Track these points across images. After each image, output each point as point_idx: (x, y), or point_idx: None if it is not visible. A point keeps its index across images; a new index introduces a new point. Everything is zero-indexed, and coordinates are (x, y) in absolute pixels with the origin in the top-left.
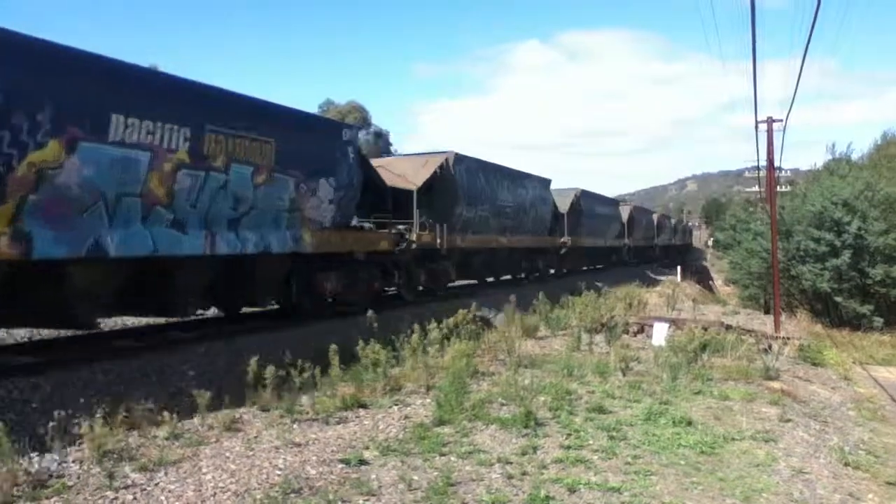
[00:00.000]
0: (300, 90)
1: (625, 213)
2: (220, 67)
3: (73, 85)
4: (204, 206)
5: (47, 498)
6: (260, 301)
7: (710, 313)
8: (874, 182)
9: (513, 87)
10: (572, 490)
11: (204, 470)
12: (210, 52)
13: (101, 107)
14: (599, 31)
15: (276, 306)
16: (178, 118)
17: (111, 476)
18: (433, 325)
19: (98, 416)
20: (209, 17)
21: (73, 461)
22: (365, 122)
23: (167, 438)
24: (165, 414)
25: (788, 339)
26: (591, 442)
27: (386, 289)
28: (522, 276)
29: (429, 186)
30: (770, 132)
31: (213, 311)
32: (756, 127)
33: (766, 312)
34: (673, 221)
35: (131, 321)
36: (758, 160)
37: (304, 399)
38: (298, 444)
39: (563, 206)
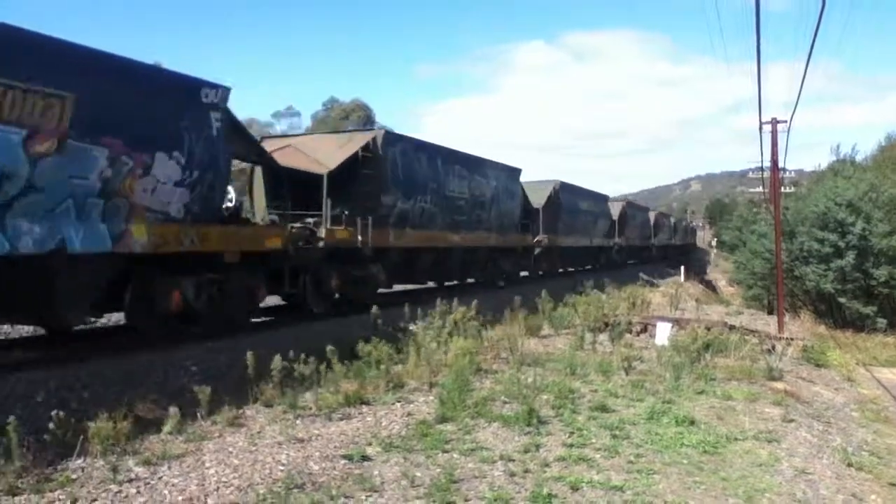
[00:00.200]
0: (304, 88)
1: (615, 209)
2: (223, 65)
3: None
4: None
5: (52, 491)
6: (71, 318)
7: (713, 313)
8: (878, 183)
9: (517, 88)
10: (575, 488)
11: (207, 464)
12: (212, 50)
13: None
14: (604, 32)
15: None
16: None
17: (115, 470)
18: (437, 321)
19: (102, 410)
20: (211, 15)
21: (77, 455)
22: (369, 120)
23: (170, 433)
24: (169, 409)
25: (792, 339)
26: (593, 440)
27: (288, 299)
28: (484, 280)
29: (347, 171)
30: (774, 133)
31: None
32: (760, 128)
33: (770, 313)
34: (673, 220)
35: None
36: (762, 161)
37: (307, 395)
38: (301, 440)
39: (538, 200)
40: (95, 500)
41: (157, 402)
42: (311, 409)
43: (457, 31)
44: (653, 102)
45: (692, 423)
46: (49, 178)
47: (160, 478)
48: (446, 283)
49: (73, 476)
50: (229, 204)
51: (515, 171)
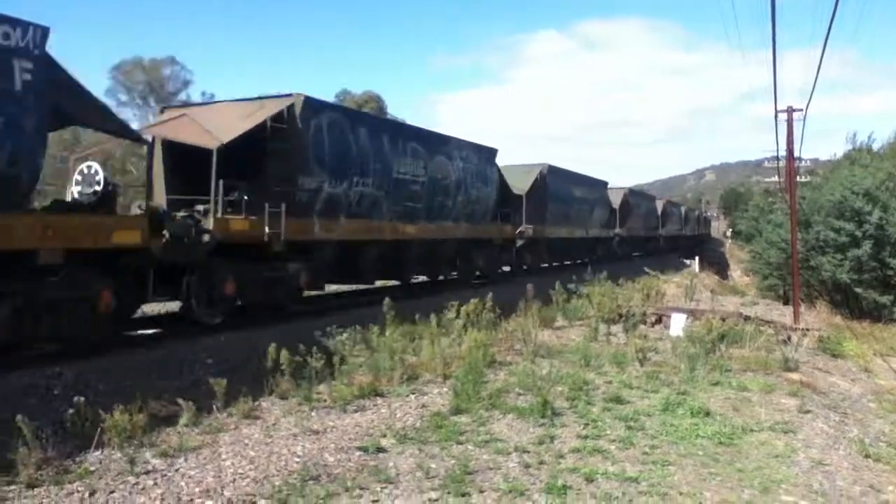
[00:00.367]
0: (317, 80)
1: (616, 197)
2: (235, 58)
3: None
4: None
5: (70, 482)
6: None
7: (728, 304)
8: None
9: (529, 78)
10: (590, 479)
11: (223, 456)
12: (225, 42)
13: None
14: (617, 20)
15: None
16: None
17: (132, 462)
18: (451, 314)
19: (119, 403)
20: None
21: (95, 447)
22: (381, 111)
23: (187, 426)
24: (185, 402)
25: (808, 330)
26: (608, 432)
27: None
28: (456, 276)
29: (251, 146)
30: (790, 122)
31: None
32: (776, 116)
33: (786, 303)
34: (684, 209)
35: (148, 309)
36: (777, 150)
37: (322, 387)
38: (316, 432)
39: (521, 185)
40: (113, 491)
41: (173, 394)
42: (325, 400)
43: (471, 21)
44: (666, 91)
45: (707, 414)
46: None
47: (177, 469)
48: (409, 282)
49: (92, 468)
50: (96, 188)
51: (490, 152)
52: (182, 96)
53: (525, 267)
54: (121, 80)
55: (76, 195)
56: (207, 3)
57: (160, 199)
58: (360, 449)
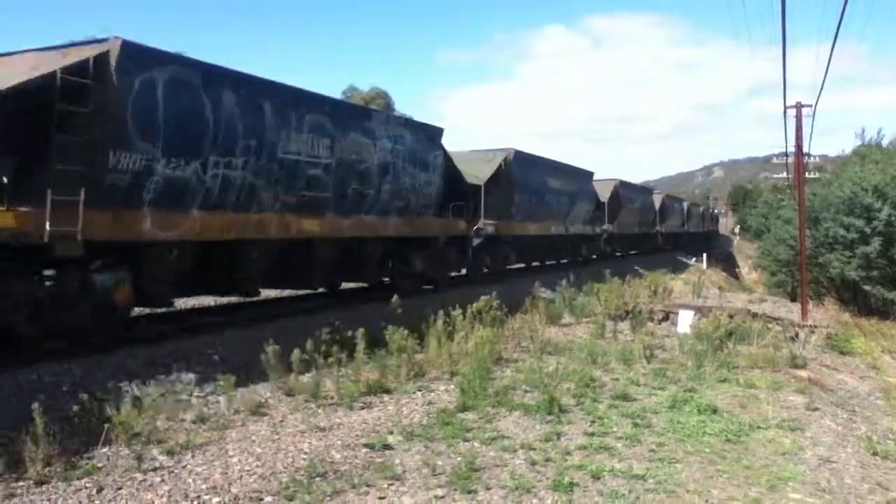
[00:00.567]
0: (324, 76)
1: (604, 190)
2: (245, 54)
3: None
4: None
5: (78, 479)
6: None
7: (736, 301)
8: None
9: (537, 73)
10: (596, 477)
11: (230, 453)
12: (234, 38)
13: None
14: (624, 16)
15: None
16: None
17: (139, 458)
18: (458, 311)
19: (126, 399)
20: (233, 4)
21: (103, 444)
22: (388, 108)
23: (194, 422)
24: (192, 398)
25: (815, 327)
26: (615, 429)
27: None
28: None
29: (30, 111)
30: (799, 118)
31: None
32: (784, 112)
33: (793, 300)
34: (686, 204)
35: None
36: (786, 146)
37: (329, 384)
38: (323, 429)
39: (479, 174)
40: (121, 487)
41: (180, 391)
42: (332, 397)
43: (478, 17)
44: (675, 87)
45: (715, 411)
46: None
47: (184, 466)
48: (318, 291)
49: (99, 464)
50: None
51: (433, 132)
52: None
53: (486, 270)
54: None
55: None
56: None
57: None
58: (366, 446)
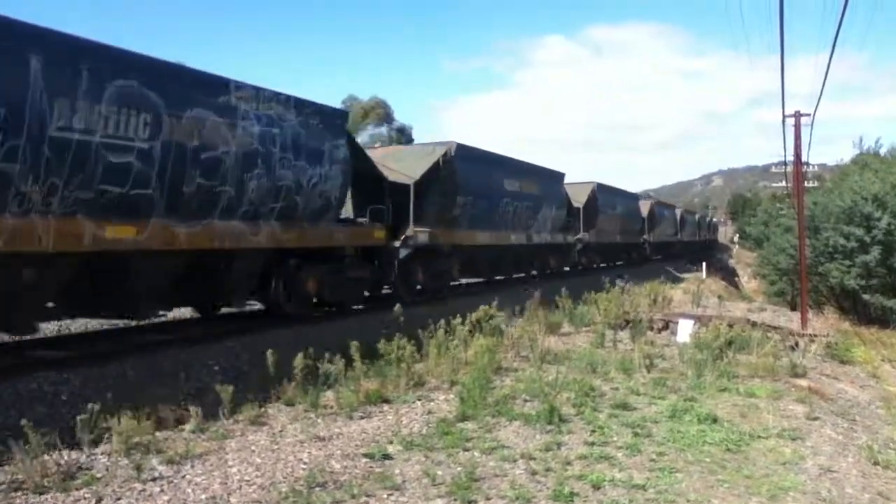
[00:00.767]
0: (323, 86)
1: (579, 194)
2: (244, 63)
3: None
4: None
5: (77, 489)
6: None
7: (735, 310)
8: None
9: (537, 83)
10: (597, 487)
11: (230, 463)
12: (233, 47)
13: None
14: (625, 26)
15: None
16: None
17: (139, 468)
18: (458, 320)
19: (126, 409)
20: (233, 13)
21: (102, 454)
22: (388, 117)
23: (193, 432)
24: (191, 408)
25: (815, 336)
26: (615, 439)
27: None
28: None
29: None
30: (797, 127)
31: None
32: (783, 121)
33: (793, 309)
34: (679, 212)
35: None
36: (784, 155)
37: (328, 394)
38: (323, 439)
39: (410, 172)
40: (120, 498)
41: (180, 400)
42: (332, 407)
43: (478, 26)
44: (674, 97)
45: (715, 420)
46: None
47: (183, 476)
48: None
49: (98, 475)
50: None
51: (330, 116)
52: None
53: (419, 287)
54: None
55: None
56: (213, 6)
57: None
58: (366, 456)
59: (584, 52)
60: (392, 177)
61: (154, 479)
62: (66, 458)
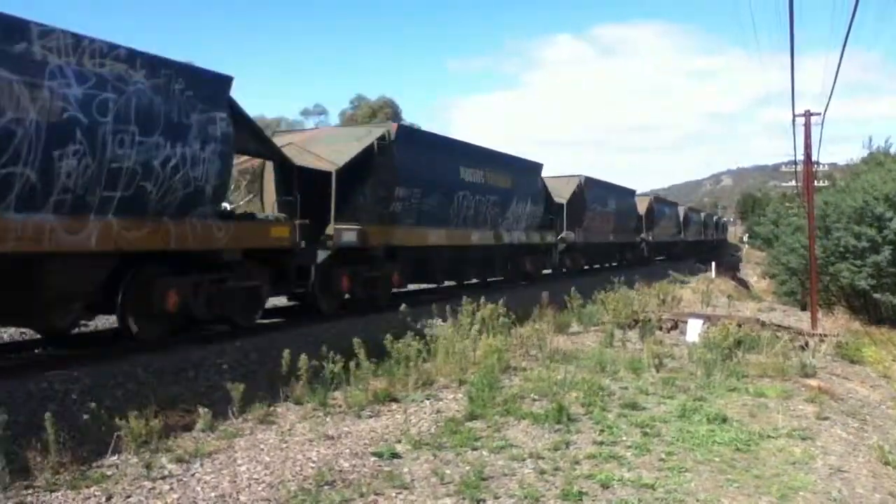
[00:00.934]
0: (332, 86)
1: (563, 188)
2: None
3: None
4: None
5: (87, 487)
6: None
7: (745, 309)
8: None
9: (546, 82)
10: (605, 486)
11: (239, 461)
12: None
13: None
14: (634, 24)
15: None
16: None
17: (148, 467)
18: (468, 319)
19: (135, 408)
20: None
21: (112, 452)
22: (396, 116)
23: (203, 430)
24: (201, 407)
25: (825, 335)
26: (624, 438)
27: None
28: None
29: None
30: (808, 126)
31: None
32: (793, 120)
33: (803, 309)
34: (682, 210)
35: None
36: (795, 154)
37: (337, 393)
38: (331, 437)
39: (332, 159)
40: (130, 496)
41: (190, 399)
42: (340, 406)
43: (488, 25)
44: (683, 96)
45: (724, 420)
46: None
47: (193, 475)
48: None
49: (108, 473)
50: None
51: (202, 80)
52: None
53: (348, 297)
54: None
55: None
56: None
57: None
58: (374, 454)
59: (591, 52)
60: (311, 163)
61: (164, 478)
62: (76, 456)
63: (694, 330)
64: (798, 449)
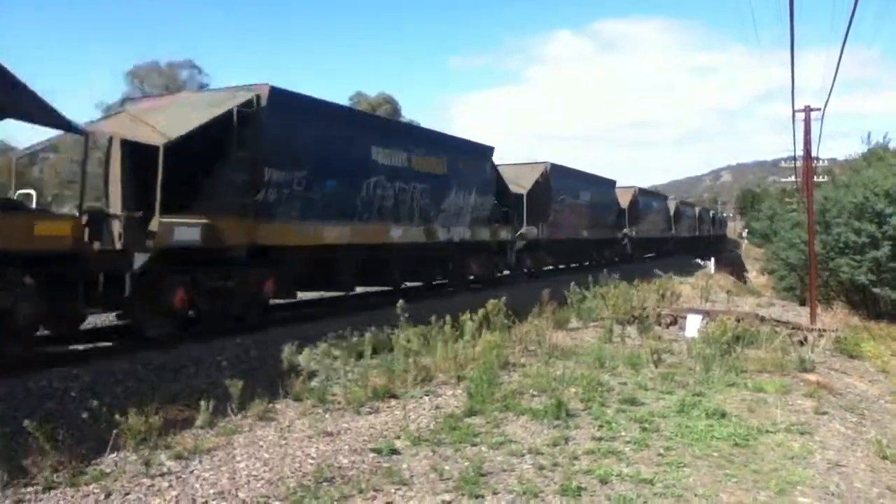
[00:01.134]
0: (332, 83)
1: (524, 177)
2: (252, 60)
3: None
4: None
5: (86, 484)
6: None
7: (744, 305)
8: None
9: (547, 78)
10: (604, 481)
11: (238, 458)
12: (238, 45)
13: None
14: (634, 20)
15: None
16: None
17: (147, 464)
18: (467, 315)
19: (134, 405)
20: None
21: (110, 449)
22: (395, 113)
23: (202, 427)
24: (200, 403)
25: (824, 330)
26: (623, 433)
27: None
28: None
29: None
30: (807, 121)
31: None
32: (793, 116)
33: (802, 304)
34: (673, 203)
35: None
36: (794, 150)
37: (336, 389)
38: (330, 434)
39: (167, 131)
40: (129, 493)
41: (189, 396)
42: (339, 402)
43: (489, 22)
44: (683, 92)
45: (723, 415)
46: None
47: (192, 471)
48: None
49: (107, 470)
50: None
51: None
52: None
53: (191, 314)
54: (138, 83)
55: None
56: (225, 6)
57: None
58: (373, 451)
59: (592, 47)
60: (142, 136)
61: (162, 475)
62: (75, 453)
63: (693, 325)
64: (796, 443)
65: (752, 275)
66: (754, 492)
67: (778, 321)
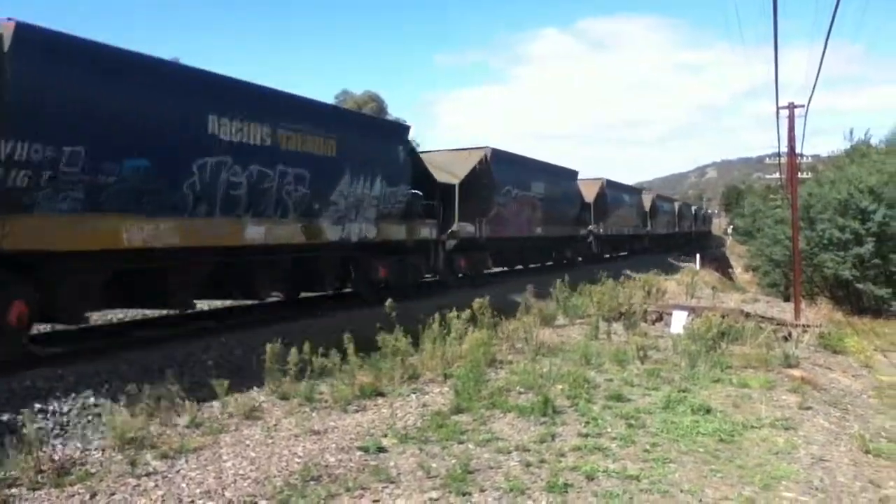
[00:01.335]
0: (316, 81)
1: (458, 166)
2: (235, 57)
3: None
4: None
5: (71, 485)
6: None
7: (729, 301)
8: None
9: (533, 76)
10: (590, 478)
11: (224, 457)
12: (223, 43)
13: None
14: (619, 19)
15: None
16: None
17: (133, 463)
18: (454, 313)
19: (121, 404)
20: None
21: (96, 449)
22: (381, 111)
23: (188, 426)
24: (186, 402)
25: (808, 326)
26: (609, 430)
27: None
28: None
29: None
30: (791, 118)
31: (231, 302)
32: (777, 113)
33: (787, 300)
34: (649, 198)
35: (151, 313)
36: (779, 146)
37: (323, 387)
38: (317, 432)
39: None
40: (114, 493)
41: (174, 395)
42: (326, 401)
43: (473, 20)
44: (669, 89)
45: (708, 411)
46: None
47: (178, 471)
48: None
49: (93, 470)
50: None
51: None
52: None
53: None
54: None
55: None
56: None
57: None
58: (361, 449)
59: (578, 46)
60: None
61: (148, 474)
62: (60, 453)
63: (678, 321)
64: (781, 439)
65: (738, 271)
66: (739, 487)
67: (763, 317)
